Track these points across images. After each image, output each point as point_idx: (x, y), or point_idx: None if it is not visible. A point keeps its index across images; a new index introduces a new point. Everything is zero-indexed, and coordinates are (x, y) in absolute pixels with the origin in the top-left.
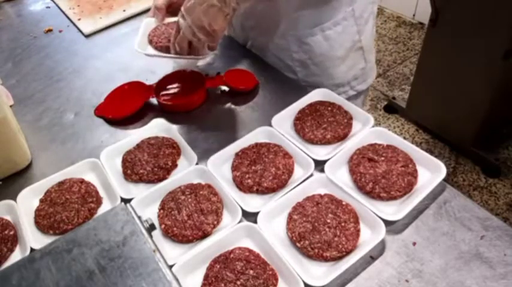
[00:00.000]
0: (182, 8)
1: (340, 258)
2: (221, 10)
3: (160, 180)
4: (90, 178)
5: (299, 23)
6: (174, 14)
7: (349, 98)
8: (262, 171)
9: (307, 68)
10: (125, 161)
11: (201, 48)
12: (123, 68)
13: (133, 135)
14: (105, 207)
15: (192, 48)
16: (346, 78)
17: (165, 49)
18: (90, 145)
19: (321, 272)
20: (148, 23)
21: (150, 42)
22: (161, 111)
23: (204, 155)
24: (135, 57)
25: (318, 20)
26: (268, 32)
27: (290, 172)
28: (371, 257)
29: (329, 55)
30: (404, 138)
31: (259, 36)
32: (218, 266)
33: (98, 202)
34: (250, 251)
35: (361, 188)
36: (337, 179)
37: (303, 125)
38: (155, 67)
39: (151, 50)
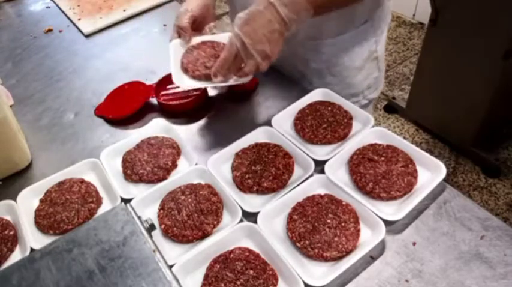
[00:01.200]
0: (237, 29)
1: (340, 258)
2: (282, 34)
3: (160, 180)
4: (90, 178)
5: (319, 33)
6: (199, 30)
7: (361, 107)
8: (262, 171)
9: (323, 77)
10: (125, 161)
11: (251, 71)
12: (123, 68)
13: (133, 135)
14: (105, 207)
15: (238, 71)
16: (361, 87)
17: (204, 77)
18: (90, 145)
19: (321, 272)
20: (175, 45)
21: (186, 71)
22: (161, 111)
23: (204, 155)
24: (135, 57)
25: (338, 30)
26: (287, 40)
27: (290, 172)
28: (371, 257)
29: (347, 65)
30: (404, 138)
31: None
32: (218, 266)
33: (98, 202)
34: (250, 251)
35: (361, 188)
36: (337, 179)
37: (303, 125)
38: (155, 67)
39: (188, 81)
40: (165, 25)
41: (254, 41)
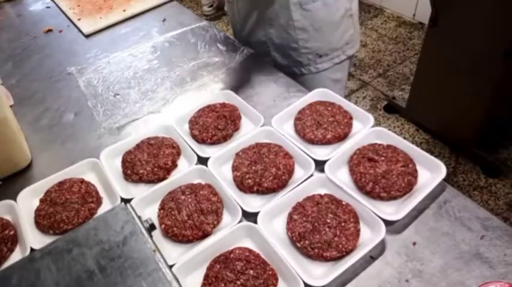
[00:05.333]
0: None
1: (340, 258)
2: None
3: (160, 180)
4: (90, 178)
5: None
6: None
7: (340, 62)
8: (263, 171)
9: (308, 33)
10: (124, 161)
11: None
12: (123, 68)
13: (133, 136)
14: (105, 207)
15: None
16: (340, 43)
17: (223, 139)
18: (90, 145)
19: (321, 272)
20: None
21: (203, 141)
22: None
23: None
24: (135, 57)
25: None
26: (271, 3)
27: (290, 172)
28: (371, 257)
29: (327, 21)
30: (404, 138)
31: (262, 10)
32: (218, 266)
33: (98, 202)
34: (250, 251)
35: (361, 188)
36: (337, 179)
37: (303, 125)
38: (155, 67)
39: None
40: (164, 20)
41: None
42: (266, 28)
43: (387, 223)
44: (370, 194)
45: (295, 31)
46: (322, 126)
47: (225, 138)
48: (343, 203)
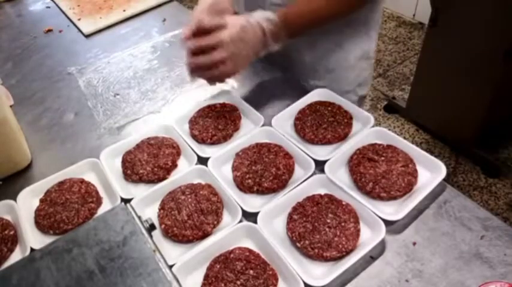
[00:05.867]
0: (228, 39)
1: (340, 258)
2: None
3: (160, 180)
4: (90, 178)
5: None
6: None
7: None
8: (263, 171)
9: (317, 72)
10: (124, 161)
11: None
12: (123, 68)
13: (133, 136)
14: (105, 207)
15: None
16: (353, 85)
17: (223, 139)
18: (90, 145)
19: (321, 272)
20: None
21: (202, 141)
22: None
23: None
24: (135, 57)
25: (333, 29)
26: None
27: (290, 172)
28: (371, 257)
29: (340, 62)
30: (405, 138)
31: None
32: (218, 266)
33: (98, 202)
34: (250, 251)
35: (361, 188)
36: (337, 179)
37: (303, 125)
38: (155, 67)
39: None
40: (164, 20)
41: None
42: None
43: (387, 223)
44: (370, 194)
45: (304, 65)
46: (322, 126)
47: (225, 138)
48: (343, 203)
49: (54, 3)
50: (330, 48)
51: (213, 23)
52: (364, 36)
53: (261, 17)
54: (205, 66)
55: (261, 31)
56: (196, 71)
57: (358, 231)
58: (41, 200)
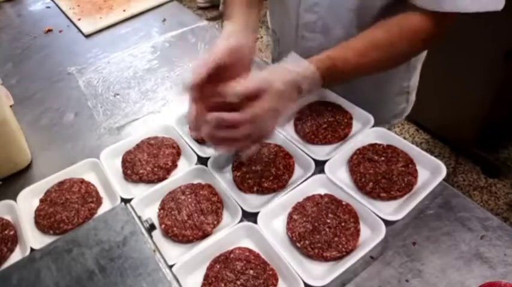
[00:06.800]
0: (262, 113)
1: (340, 258)
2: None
3: (160, 180)
4: (90, 178)
5: None
6: (223, 81)
7: None
8: (263, 171)
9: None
10: (124, 161)
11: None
12: (123, 68)
13: (133, 136)
14: (105, 207)
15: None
16: (387, 117)
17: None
18: (90, 145)
19: (321, 272)
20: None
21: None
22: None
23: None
24: (135, 57)
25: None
26: None
27: (290, 172)
28: (371, 257)
29: (376, 99)
30: (404, 138)
31: None
32: (218, 266)
33: (98, 202)
34: (250, 251)
35: (361, 188)
36: (337, 179)
37: (303, 125)
38: (155, 67)
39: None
40: (164, 20)
41: (260, 126)
42: None
43: (387, 223)
44: (370, 194)
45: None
46: (322, 126)
47: None
48: (343, 203)
49: (54, 3)
50: (366, 85)
51: (252, 88)
52: (404, 74)
53: (301, 75)
54: (230, 139)
55: (298, 92)
56: (218, 143)
57: (358, 231)
58: (41, 200)
